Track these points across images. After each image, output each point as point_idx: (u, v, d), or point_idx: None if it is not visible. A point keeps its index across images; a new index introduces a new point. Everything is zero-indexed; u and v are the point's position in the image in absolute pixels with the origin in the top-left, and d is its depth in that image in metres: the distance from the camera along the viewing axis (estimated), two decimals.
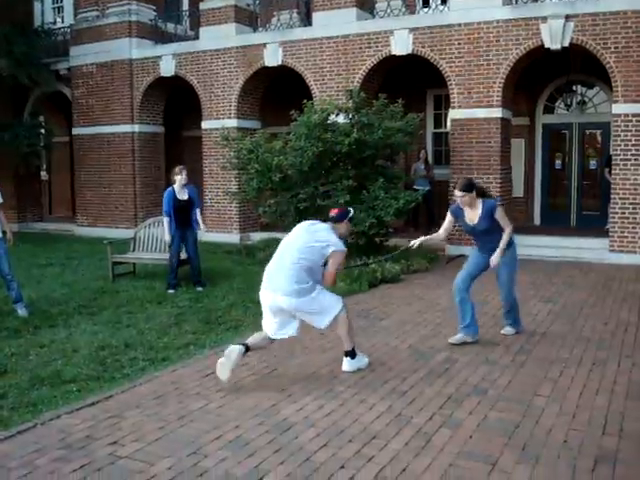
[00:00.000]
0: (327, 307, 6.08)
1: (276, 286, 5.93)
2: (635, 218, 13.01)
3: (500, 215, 7.04)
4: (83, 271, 12.64)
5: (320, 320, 6.10)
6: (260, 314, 8.83)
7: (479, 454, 4.42)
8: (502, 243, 7.01)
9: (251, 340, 6.12)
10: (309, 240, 6.01)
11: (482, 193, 7.21)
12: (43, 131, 21.41)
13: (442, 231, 7.39)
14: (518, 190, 16.91)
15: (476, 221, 7.09)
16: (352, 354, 6.29)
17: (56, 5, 22.93)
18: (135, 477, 4.14)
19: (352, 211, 6.44)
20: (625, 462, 4.28)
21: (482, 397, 5.52)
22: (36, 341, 7.57)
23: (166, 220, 10.66)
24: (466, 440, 4.66)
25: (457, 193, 7.03)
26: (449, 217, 7.36)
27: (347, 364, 6.30)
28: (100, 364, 6.62)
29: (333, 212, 6.37)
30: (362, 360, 6.42)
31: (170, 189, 10.72)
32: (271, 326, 6.12)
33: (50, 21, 22.47)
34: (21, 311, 8.91)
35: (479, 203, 7.07)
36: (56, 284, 11.19)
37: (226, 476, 4.15)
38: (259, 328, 8.07)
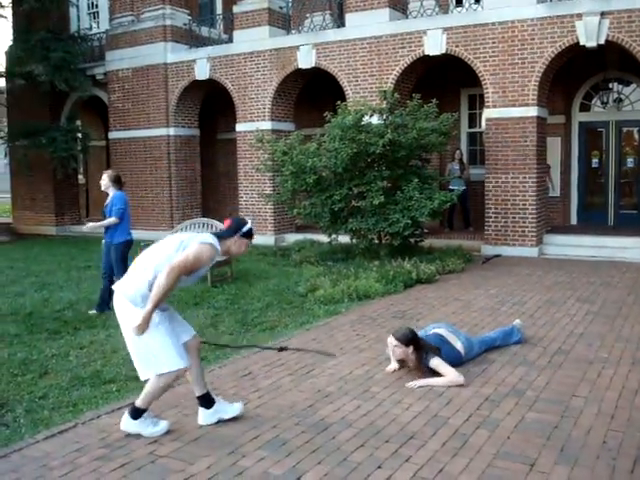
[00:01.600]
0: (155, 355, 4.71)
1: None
2: None
3: (440, 367, 6.00)
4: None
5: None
6: (295, 314, 8.93)
7: (517, 455, 4.40)
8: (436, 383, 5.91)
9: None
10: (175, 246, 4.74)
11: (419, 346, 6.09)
12: (80, 135, 21.68)
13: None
14: (554, 189, 16.76)
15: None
16: (137, 413, 4.85)
17: (91, 11, 23.20)
18: (174, 476, 4.19)
19: (249, 223, 4.95)
20: None
21: (520, 398, 5.49)
22: (76, 342, 7.69)
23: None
24: (504, 441, 4.64)
25: (392, 341, 6.10)
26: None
27: (126, 422, 4.87)
28: None
29: (224, 224, 5.03)
30: (150, 427, 4.86)
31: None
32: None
33: (86, 27, 22.76)
34: None
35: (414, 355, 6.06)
36: (95, 286, 11.30)
37: (264, 475, 4.18)
38: (296, 328, 8.15)
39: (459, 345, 6.37)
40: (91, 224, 9.93)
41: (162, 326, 4.67)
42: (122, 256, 9.42)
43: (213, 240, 4.69)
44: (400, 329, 6.22)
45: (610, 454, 4.38)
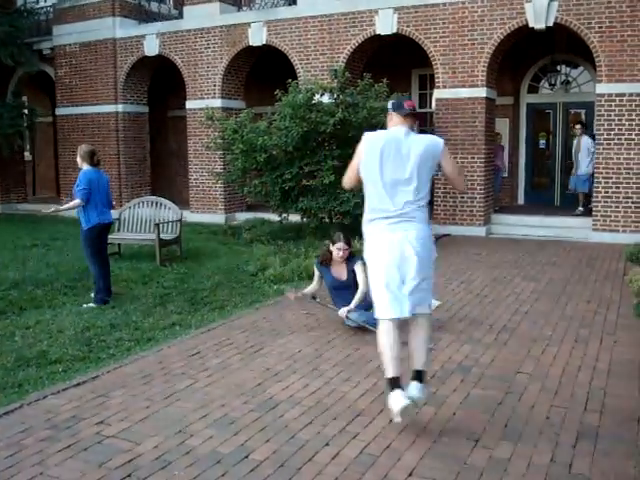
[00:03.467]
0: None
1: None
2: (618, 197, 13.10)
3: (359, 271, 6.73)
4: (68, 252, 12.58)
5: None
6: (245, 294, 8.91)
7: (462, 431, 4.47)
8: (355, 301, 6.74)
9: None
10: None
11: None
12: (26, 111, 21.21)
13: (311, 288, 7.39)
14: (505, 170, 16.96)
15: (344, 277, 6.95)
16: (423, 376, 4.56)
17: None
18: (121, 456, 4.15)
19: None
20: (606, 438, 4.34)
21: (465, 375, 5.57)
22: (21, 322, 7.57)
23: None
24: (449, 417, 4.71)
25: (342, 245, 6.70)
26: (317, 273, 7.28)
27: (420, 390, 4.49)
28: (86, 345, 6.63)
29: (407, 104, 4.88)
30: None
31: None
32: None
33: (33, 0, 22.21)
34: None
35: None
36: (41, 265, 11.15)
37: (213, 454, 4.18)
38: (245, 307, 8.13)
39: None
40: (54, 207, 8.99)
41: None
42: (90, 242, 8.54)
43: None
44: (339, 234, 6.83)
45: (553, 429, 4.48)
